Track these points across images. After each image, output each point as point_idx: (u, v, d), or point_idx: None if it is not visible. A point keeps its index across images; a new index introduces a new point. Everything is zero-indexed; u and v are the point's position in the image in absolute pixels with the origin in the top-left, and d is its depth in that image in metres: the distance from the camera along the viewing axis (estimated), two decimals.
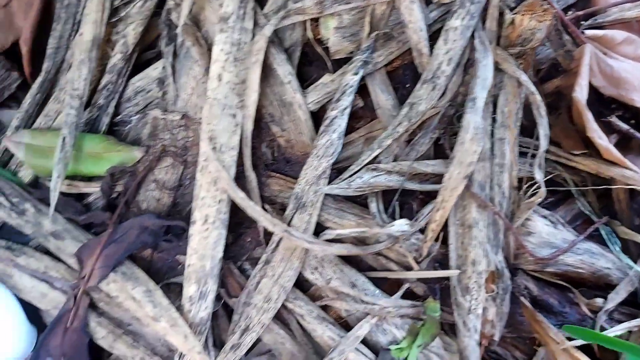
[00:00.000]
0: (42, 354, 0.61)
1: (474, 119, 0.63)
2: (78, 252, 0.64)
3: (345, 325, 0.67)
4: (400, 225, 0.59)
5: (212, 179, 0.62)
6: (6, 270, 0.65)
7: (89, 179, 0.70)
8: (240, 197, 0.61)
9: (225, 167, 0.61)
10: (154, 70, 0.72)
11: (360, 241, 0.67)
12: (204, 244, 0.61)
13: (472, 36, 0.68)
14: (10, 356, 0.62)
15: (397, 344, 0.66)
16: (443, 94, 0.69)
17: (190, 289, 0.61)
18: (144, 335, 0.64)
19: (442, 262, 0.69)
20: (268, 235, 0.69)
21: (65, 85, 0.71)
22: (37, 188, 0.71)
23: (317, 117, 0.68)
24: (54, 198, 0.64)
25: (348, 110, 0.66)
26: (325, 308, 0.68)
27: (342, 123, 0.65)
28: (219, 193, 0.62)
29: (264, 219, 0.61)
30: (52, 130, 0.70)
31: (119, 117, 0.73)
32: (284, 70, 0.65)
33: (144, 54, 0.75)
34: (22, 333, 0.63)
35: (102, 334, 0.64)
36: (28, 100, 0.71)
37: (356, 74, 0.66)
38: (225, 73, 0.61)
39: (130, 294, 0.61)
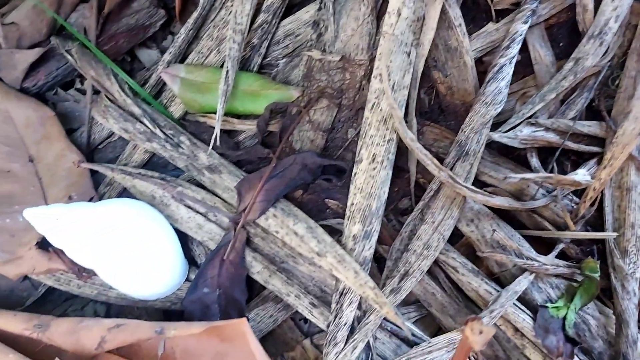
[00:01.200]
0: (199, 284, 0.61)
1: None
2: (238, 186, 0.63)
3: (496, 281, 0.65)
4: (583, 175, 0.57)
5: (383, 117, 0.61)
6: (163, 200, 0.65)
7: (239, 116, 0.70)
8: (409, 137, 0.59)
9: (398, 106, 0.60)
10: (305, 13, 0.71)
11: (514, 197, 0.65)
12: (371, 183, 0.60)
13: None
14: (168, 285, 0.62)
15: (552, 303, 0.64)
16: (605, 52, 0.66)
17: (354, 228, 0.60)
18: (296, 274, 0.63)
19: (592, 224, 0.67)
20: (418, 186, 0.68)
21: (220, 22, 0.70)
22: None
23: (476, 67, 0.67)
24: (217, 130, 0.63)
25: (515, 60, 0.64)
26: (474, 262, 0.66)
27: (509, 71, 0.64)
28: (389, 132, 0.60)
29: (431, 163, 0.60)
30: (206, 66, 0.70)
31: (267, 59, 0.72)
32: (455, 12, 0.64)
33: None
34: (179, 263, 0.62)
35: (257, 269, 0.63)
36: (182, 35, 0.70)
37: (526, 22, 0.64)
38: (404, 8, 0.60)
39: (292, 229, 0.60)
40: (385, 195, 0.61)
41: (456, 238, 0.68)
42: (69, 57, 0.71)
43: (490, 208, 0.65)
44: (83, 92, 0.76)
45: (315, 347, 0.63)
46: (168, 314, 0.67)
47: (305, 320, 0.66)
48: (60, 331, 0.59)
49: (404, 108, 0.61)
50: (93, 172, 0.71)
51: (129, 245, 0.59)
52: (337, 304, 0.59)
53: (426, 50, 0.62)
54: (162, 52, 0.77)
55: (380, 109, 0.61)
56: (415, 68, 0.62)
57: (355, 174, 0.61)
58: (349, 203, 0.61)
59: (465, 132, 0.63)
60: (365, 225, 0.60)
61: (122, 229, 0.59)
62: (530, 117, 0.66)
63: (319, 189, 0.67)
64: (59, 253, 0.64)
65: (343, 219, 0.66)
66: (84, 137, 0.73)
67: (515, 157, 0.68)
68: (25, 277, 0.69)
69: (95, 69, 0.69)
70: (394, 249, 0.64)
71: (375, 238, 0.60)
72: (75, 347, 0.58)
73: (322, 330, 0.62)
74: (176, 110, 0.71)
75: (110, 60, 0.69)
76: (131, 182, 0.66)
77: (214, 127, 0.69)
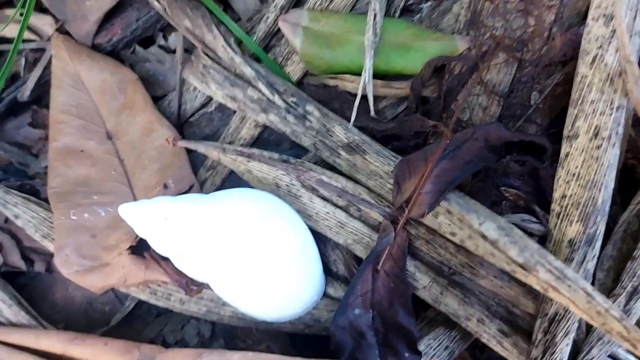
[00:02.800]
0: (350, 304, 0.45)
1: None
2: (397, 170, 0.46)
3: None
4: None
5: (608, 75, 0.43)
6: (291, 189, 0.49)
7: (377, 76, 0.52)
8: None
9: (631, 59, 0.42)
10: None
11: None
12: (594, 167, 0.43)
13: None
14: (302, 303, 0.46)
15: None
16: None
17: (570, 230, 0.43)
18: (473, 289, 0.46)
19: None
20: (624, 169, 0.50)
21: None
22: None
23: None
24: (369, 93, 0.46)
25: None
26: None
27: None
28: (618, 96, 0.42)
29: None
30: (335, 12, 0.52)
31: (407, 3, 0.54)
32: None
33: None
34: (317, 274, 0.46)
35: (423, 283, 0.46)
36: None
37: None
38: None
39: (478, 230, 0.43)
40: (613, 184, 0.43)
41: None
42: (155, 3, 0.54)
43: None
44: (167, 50, 0.59)
45: None
46: (294, 337, 0.51)
47: (481, 349, 0.49)
48: None
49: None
50: (188, 152, 0.55)
51: (254, 251, 0.43)
52: (545, 335, 0.43)
53: None
54: None
55: (605, 64, 0.43)
56: None
57: (567, 154, 0.44)
58: (557, 195, 0.44)
59: None
60: (587, 226, 0.42)
61: (245, 229, 0.43)
62: None
63: (492, 173, 0.50)
64: (159, 260, 0.48)
65: (527, 213, 0.49)
66: (173, 107, 0.57)
67: None
68: None
69: (191, 18, 0.52)
70: (605, 256, 0.46)
71: (599, 244, 0.43)
72: None
73: None
74: (294, 71, 0.54)
75: (215, 5, 0.52)
76: (245, 166, 0.50)
77: (347, 93, 0.52)
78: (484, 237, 0.44)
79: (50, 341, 0.48)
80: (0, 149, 0.58)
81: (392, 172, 0.47)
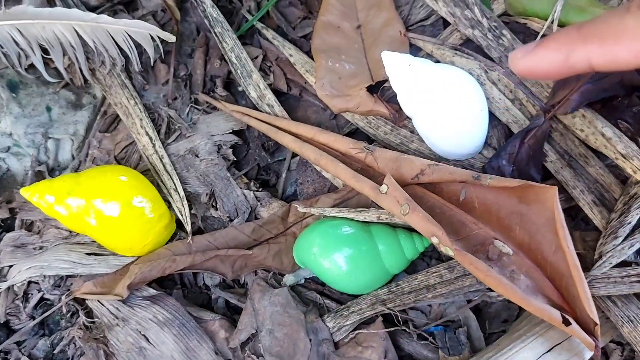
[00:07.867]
0: (501, 155, 0.70)
1: None
2: (556, 82, 0.70)
3: None
4: None
5: None
6: (479, 78, 0.74)
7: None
8: None
9: None
10: None
11: None
12: None
13: None
14: (470, 149, 0.71)
15: None
16: None
17: None
18: (583, 174, 0.70)
19: None
20: None
21: None
22: None
23: None
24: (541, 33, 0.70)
25: None
26: None
27: None
28: None
29: None
30: None
31: None
32: None
33: None
34: (484, 133, 0.71)
35: (551, 158, 0.71)
36: None
37: None
38: None
39: (600, 130, 0.67)
40: None
41: None
42: None
43: None
44: None
45: (582, 240, 0.70)
46: None
47: (572, 217, 0.73)
48: (384, 157, 0.71)
49: None
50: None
51: (454, 103, 0.69)
52: (624, 205, 0.66)
53: None
54: None
55: None
56: None
57: None
58: None
59: None
60: None
61: (453, 86, 0.69)
62: None
63: (614, 108, 0.73)
64: (382, 100, 0.76)
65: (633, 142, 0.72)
66: (403, 16, 0.84)
67: None
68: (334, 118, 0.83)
69: None
70: None
71: None
72: (393, 174, 0.69)
73: (593, 229, 0.69)
74: (497, 8, 0.79)
75: None
76: (450, 59, 0.76)
77: (531, 29, 0.76)
78: (603, 135, 0.68)
79: (305, 129, 0.77)
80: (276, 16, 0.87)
81: (553, 82, 0.72)
